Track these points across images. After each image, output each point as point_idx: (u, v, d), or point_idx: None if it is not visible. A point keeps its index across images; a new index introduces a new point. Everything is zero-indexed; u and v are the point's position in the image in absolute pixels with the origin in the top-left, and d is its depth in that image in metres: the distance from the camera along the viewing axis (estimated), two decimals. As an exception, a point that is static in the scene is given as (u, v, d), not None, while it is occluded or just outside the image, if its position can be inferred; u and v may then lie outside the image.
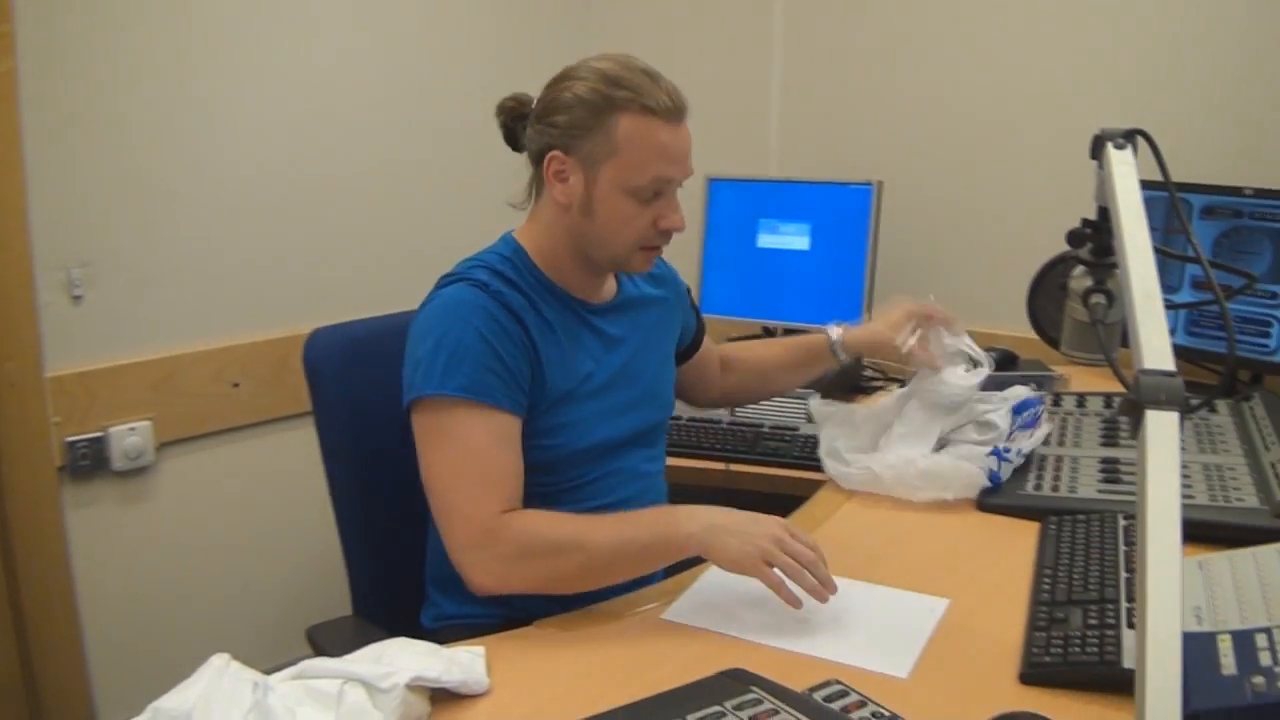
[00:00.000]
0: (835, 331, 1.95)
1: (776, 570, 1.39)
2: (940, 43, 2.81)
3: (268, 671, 1.17)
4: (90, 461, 2.40)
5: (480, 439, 1.48)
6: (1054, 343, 2.42)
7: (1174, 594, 0.82)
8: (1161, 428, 0.92)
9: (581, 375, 1.62)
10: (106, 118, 2.36)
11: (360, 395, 1.79)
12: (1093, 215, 1.44)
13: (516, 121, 1.63)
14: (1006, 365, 2.47)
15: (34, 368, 2.31)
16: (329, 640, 1.66)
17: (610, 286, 1.74)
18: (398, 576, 1.80)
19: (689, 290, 1.95)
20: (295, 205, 2.70)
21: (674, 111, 1.53)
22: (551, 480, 1.60)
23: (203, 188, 2.52)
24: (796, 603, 1.39)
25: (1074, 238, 1.44)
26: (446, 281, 1.59)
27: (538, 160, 1.59)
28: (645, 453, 1.76)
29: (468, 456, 1.47)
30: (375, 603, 1.83)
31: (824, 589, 1.40)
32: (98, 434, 2.40)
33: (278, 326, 2.68)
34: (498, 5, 3.12)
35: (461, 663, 1.23)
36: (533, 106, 1.60)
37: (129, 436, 2.44)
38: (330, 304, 2.69)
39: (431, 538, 1.72)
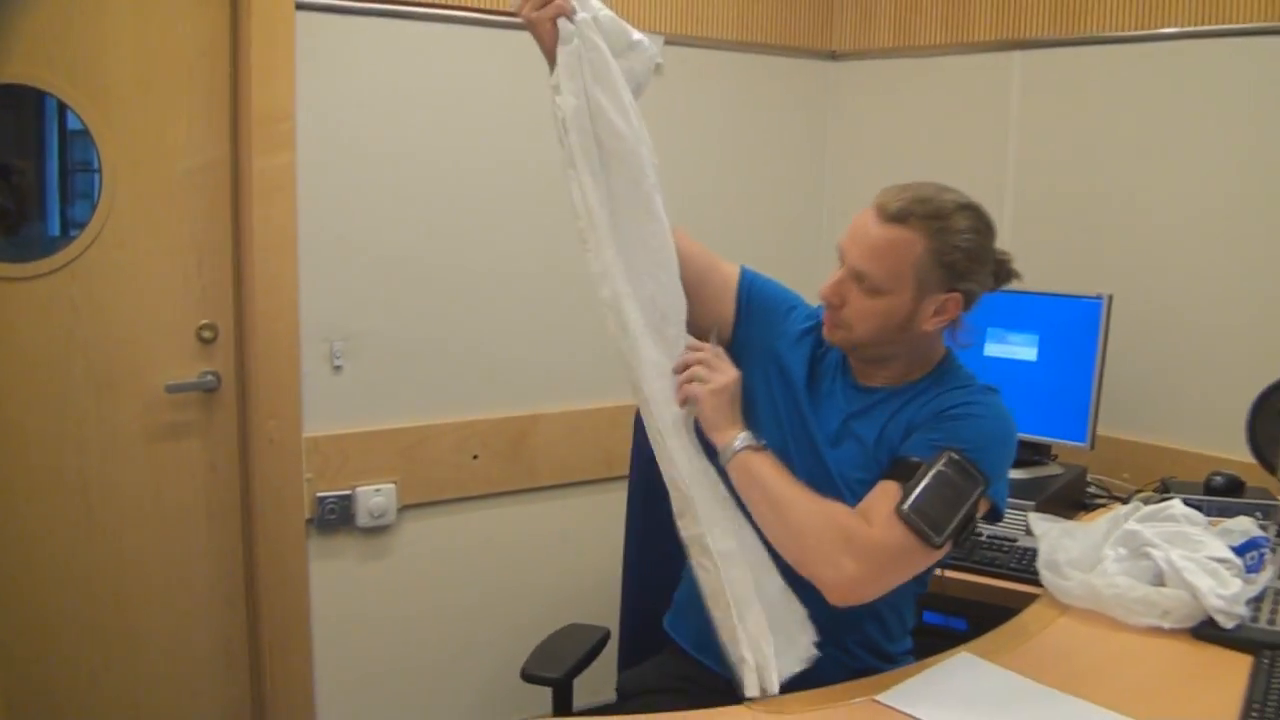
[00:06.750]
0: None
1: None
2: (1175, 154, 2.75)
3: None
4: (337, 516, 2.60)
5: None
6: (1273, 469, 2.34)
7: None
8: None
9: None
10: (373, 205, 2.59)
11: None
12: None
13: None
14: (1232, 491, 2.38)
15: (294, 428, 2.54)
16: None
17: (886, 375, 1.75)
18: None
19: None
20: (542, 295, 2.84)
21: (883, 207, 1.61)
22: None
23: (456, 275, 2.72)
24: None
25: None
26: None
27: None
28: None
29: None
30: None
31: None
32: (346, 492, 2.61)
33: (516, 406, 2.84)
34: (740, 89, 3.16)
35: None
36: None
37: (374, 496, 2.63)
38: (565, 389, 2.87)
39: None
